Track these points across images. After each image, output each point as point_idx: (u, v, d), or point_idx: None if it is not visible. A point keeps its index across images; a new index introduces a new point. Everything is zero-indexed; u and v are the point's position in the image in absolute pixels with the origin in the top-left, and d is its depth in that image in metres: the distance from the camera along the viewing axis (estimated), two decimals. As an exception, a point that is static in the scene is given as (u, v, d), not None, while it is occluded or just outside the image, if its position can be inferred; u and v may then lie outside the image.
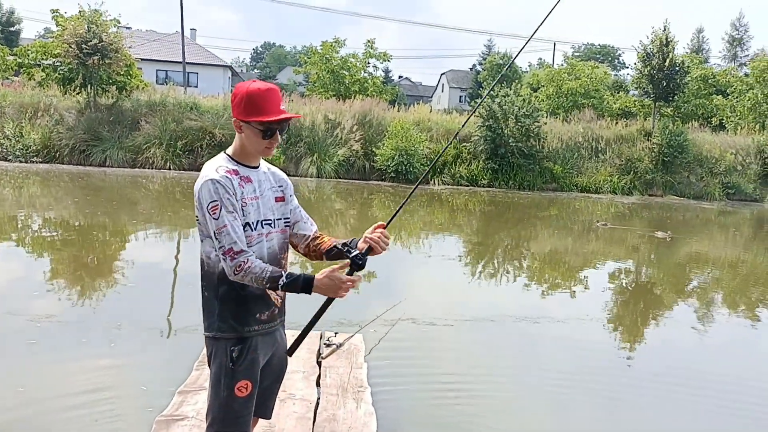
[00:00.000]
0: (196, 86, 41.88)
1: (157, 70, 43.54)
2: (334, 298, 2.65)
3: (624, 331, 8.03)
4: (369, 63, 35.79)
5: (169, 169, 22.99)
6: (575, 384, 5.88)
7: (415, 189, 3.35)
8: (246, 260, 2.48)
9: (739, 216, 22.84)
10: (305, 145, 24.57)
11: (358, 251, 2.67)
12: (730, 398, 5.75)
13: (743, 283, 11.57)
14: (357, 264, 2.63)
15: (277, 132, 2.59)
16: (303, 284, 2.52)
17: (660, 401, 5.60)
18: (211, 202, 2.49)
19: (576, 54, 61.50)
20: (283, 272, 2.51)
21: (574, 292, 10.12)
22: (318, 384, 4.75)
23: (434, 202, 20.59)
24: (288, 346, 2.96)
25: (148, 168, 22.95)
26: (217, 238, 2.49)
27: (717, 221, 21.18)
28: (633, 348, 7.35)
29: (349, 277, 2.59)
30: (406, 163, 23.73)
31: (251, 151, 2.64)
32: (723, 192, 26.83)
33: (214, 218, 2.48)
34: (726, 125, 33.63)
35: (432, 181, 24.61)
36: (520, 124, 25.07)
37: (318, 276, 2.56)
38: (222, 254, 2.49)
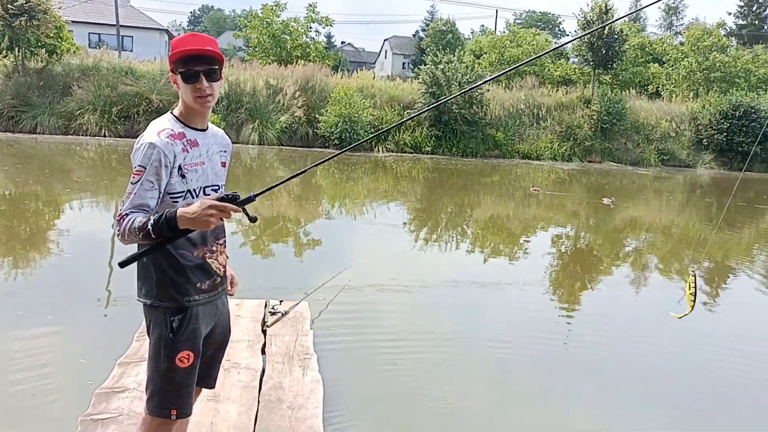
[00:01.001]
0: (131, 50, 40.34)
1: (89, 33, 41.70)
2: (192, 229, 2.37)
3: (566, 295, 8.22)
4: (311, 28, 35.25)
5: (105, 136, 22.22)
6: (517, 346, 6.00)
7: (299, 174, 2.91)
8: (126, 217, 2.33)
9: (674, 181, 23.59)
10: (246, 111, 24.09)
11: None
12: (670, 357, 5.97)
13: (678, 246, 11.98)
14: (224, 199, 2.34)
15: (202, 76, 2.44)
16: (167, 219, 2.29)
17: (600, 362, 5.78)
18: (138, 166, 2.38)
19: (518, 21, 61.93)
20: (152, 217, 2.32)
21: (517, 257, 10.29)
22: (263, 352, 4.71)
23: (378, 169, 20.55)
24: (229, 313, 2.89)
25: (82, 135, 22.13)
26: (123, 200, 2.39)
27: (653, 187, 21.82)
28: (573, 311, 7.53)
29: (216, 203, 2.30)
30: (350, 130, 23.55)
31: (191, 107, 2.52)
32: (658, 158, 27.61)
33: (131, 182, 2.38)
34: (662, 93, 34.51)
35: (376, 149, 24.54)
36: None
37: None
38: (117, 217, 2.38)
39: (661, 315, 7.53)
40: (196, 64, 2.43)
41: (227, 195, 2.34)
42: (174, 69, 2.47)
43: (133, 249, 2.55)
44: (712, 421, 4.83)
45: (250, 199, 2.37)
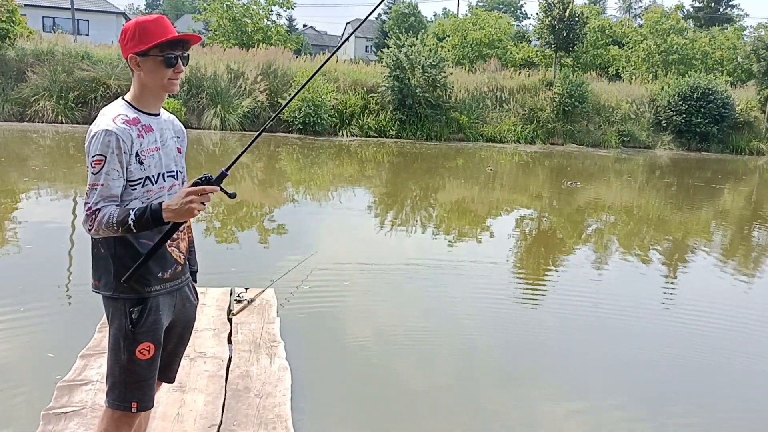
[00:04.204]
0: (87, 34, 39.39)
1: (43, 17, 40.61)
2: (182, 223, 2.38)
3: (532, 274, 8.31)
4: (272, 11, 34.81)
5: (62, 122, 21.69)
6: (483, 326, 6.06)
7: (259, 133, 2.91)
8: (98, 211, 2.29)
9: (633, 163, 23.96)
10: (207, 96, 23.70)
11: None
12: (632, 322, 6.09)
13: (639, 226, 12.20)
14: (198, 183, 2.33)
15: (180, 61, 2.44)
16: (152, 212, 2.28)
17: (566, 342, 5.86)
18: (97, 155, 2.30)
19: (480, 4, 62.04)
20: (131, 210, 2.29)
21: (483, 239, 10.35)
22: (229, 341, 4.66)
23: (343, 154, 20.47)
24: (196, 304, 2.83)
25: (38, 122, 21.57)
26: (87, 194, 2.32)
27: (614, 168, 22.14)
28: (539, 292, 7.62)
29: (193, 188, 2.29)
30: (313, 115, 23.39)
31: (153, 90, 2.46)
32: (619, 140, 27.99)
33: (92, 172, 2.31)
34: (621, 75, 34.95)
35: (340, 133, 24.41)
36: (426, 74, 25.12)
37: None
38: (84, 211, 2.32)
39: (623, 292, 7.69)
40: (179, 48, 2.43)
41: (200, 179, 2.33)
42: (146, 52, 2.39)
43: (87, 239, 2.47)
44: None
45: (223, 175, 2.35)
